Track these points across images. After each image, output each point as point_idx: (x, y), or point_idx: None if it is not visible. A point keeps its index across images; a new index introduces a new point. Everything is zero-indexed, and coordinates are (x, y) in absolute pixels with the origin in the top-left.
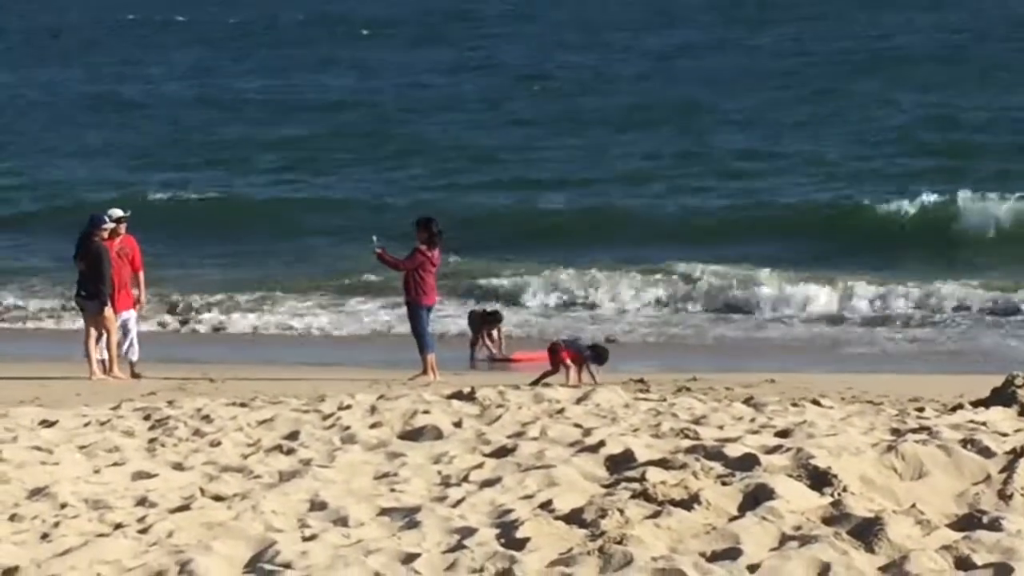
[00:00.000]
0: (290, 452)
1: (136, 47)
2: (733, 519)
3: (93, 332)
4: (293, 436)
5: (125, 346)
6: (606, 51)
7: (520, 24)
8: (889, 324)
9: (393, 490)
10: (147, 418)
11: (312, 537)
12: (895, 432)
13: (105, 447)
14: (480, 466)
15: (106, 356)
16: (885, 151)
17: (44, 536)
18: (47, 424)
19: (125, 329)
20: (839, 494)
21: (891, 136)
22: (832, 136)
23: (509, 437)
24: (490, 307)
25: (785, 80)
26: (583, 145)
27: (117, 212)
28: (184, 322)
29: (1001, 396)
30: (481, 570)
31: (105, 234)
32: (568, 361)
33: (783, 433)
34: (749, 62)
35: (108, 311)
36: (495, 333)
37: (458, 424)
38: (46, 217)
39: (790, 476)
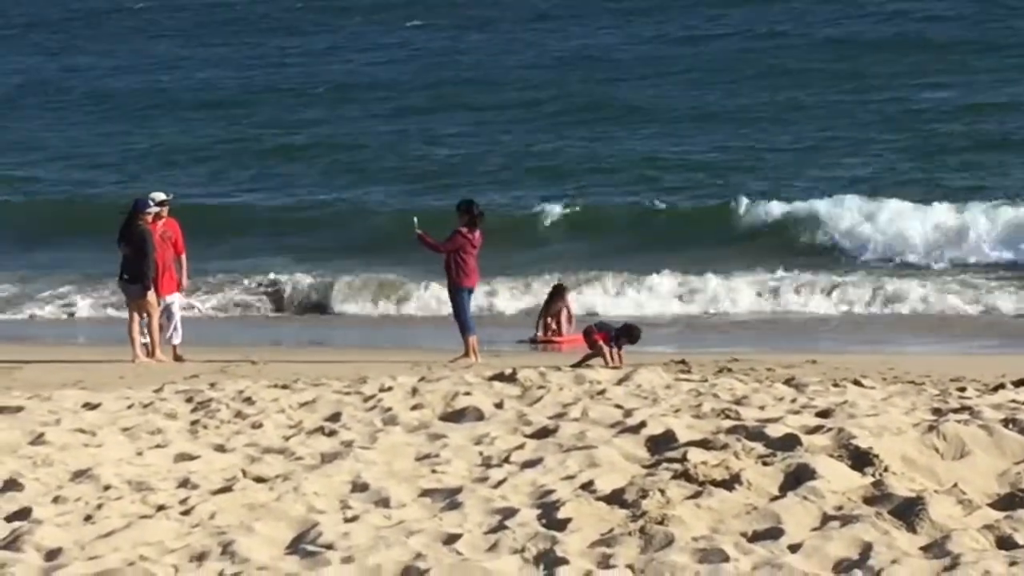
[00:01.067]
0: (332, 434)
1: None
2: (774, 499)
3: (136, 316)
4: (335, 418)
5: (169, 330)
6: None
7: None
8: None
9: (434, 471)
10: (189, 400)
11: (354, 518)
12: (936, 412)
13: (148, 429)
14: (521, 447)
15: (149, 339)
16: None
17: (87, 518)
18: (90, 407)
19: (168, 312)
20: (880, 474)
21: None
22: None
23: (550, 418)
24: (555, 281)
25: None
26: (477, 135)
27: (160, 195)
28: None
29: None
30: (522, 550)
31: (149, 218)
32: (601, 342)
33: (824, 413)
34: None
35: (151, 295)
36: (563, 312)
37: (499, 405)
38: None
39: (831, 456)
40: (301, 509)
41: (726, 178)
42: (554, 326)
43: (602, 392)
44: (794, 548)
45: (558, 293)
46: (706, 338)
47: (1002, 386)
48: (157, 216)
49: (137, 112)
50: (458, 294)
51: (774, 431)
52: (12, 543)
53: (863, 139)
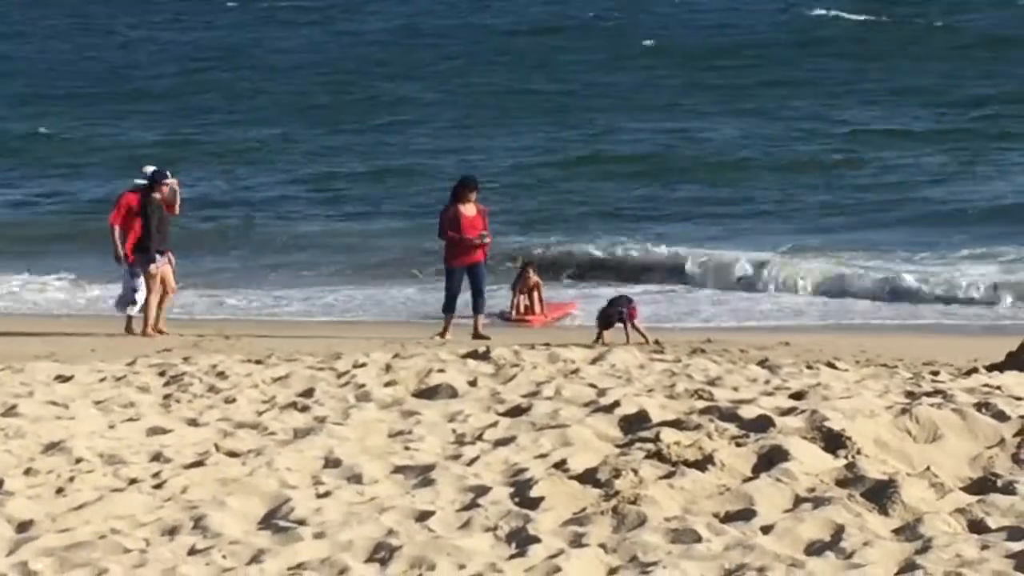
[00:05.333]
0: (305, 409)
1: None
2: (747, 480)
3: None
4: (308, 393)
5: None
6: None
7: None
8: None
9: (407, 448)
10: (162, 374)
11: (326, 494)
12: (909, 395)
13: (120, 402)
14: (494, 425)
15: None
16: None
17: (59, 490)
18: (62, 379)
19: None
20: (853, 456)
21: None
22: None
23: (524, 396)
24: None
25: None
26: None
27: (151, 168)
28: None
29: (1016, 360)
30: (495, 528)
31: (165, 189)
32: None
33: (797, 395)
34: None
35: (152, 267)
36: (533, 290)
37: (473, 383)
38: None
39: (804, 438)
40: (273, 484)
41: None
42: (527, 303)
43: (576, 371)
44: (766, 529)
45: (526, 269)
46: None
47: (975, 370)
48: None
49: None
50: (451, 273)
51: (747, 412)
52: None
53: None
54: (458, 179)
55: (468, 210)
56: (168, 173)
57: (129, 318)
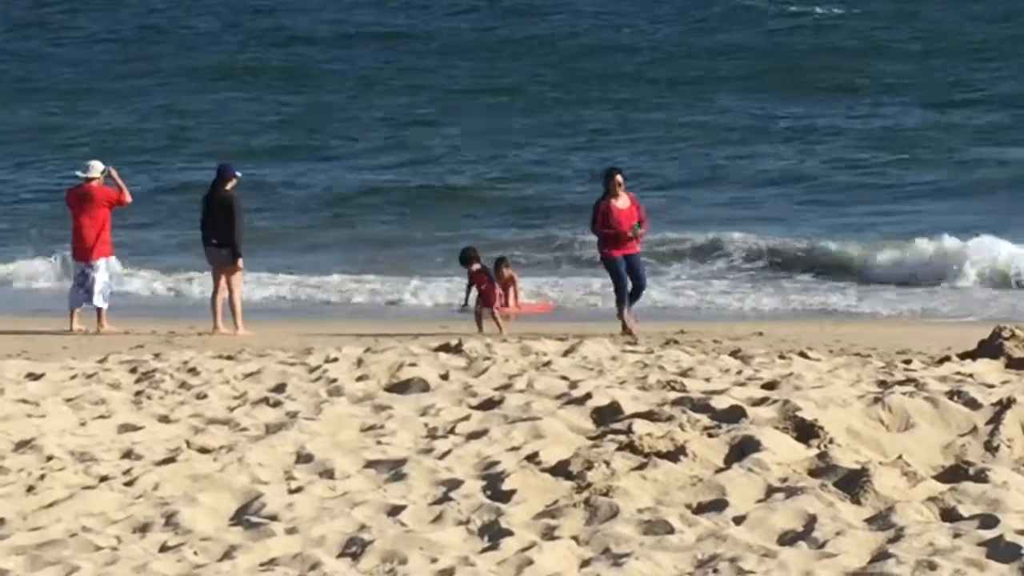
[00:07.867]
0: (276, 405)
1: None
2: (719, 471)
3: (221, 284)
4: (279, 389)
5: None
6: None
7: None
8: None
9: (379, 442)
10: (133, 371)
11: (298, 489)
12: (882, 384)
13: (91, 400)
14: (467, 418)
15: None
16: None
17: (30, 488)
18: (33, 377)
19: (92, 277)
20: (825, 446)
21: None
22: None
23: (496, 389)
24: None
25: None
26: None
27: (100, 165)
28: None
29: (988, 348)
30: (467, 522)
31: (235, 182)
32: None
33: (770, 385)
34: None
35: (241, 261)
36: (507, 284)
37: (445, 377)
38: None
39: (776, 428)
40: (245, 480)
41: None
42: (501, 296)
43: (548, 364)
44: (739, 520)
45: (500, 264)
46: None
47: (948, 358)
48: (88, 181)
49: None
50: (610, 263)
51: (719, 403)
52: None
53: None
54: (605, 171)
55: (621, 202)
56: (232, 166)
57: (99, 311)
